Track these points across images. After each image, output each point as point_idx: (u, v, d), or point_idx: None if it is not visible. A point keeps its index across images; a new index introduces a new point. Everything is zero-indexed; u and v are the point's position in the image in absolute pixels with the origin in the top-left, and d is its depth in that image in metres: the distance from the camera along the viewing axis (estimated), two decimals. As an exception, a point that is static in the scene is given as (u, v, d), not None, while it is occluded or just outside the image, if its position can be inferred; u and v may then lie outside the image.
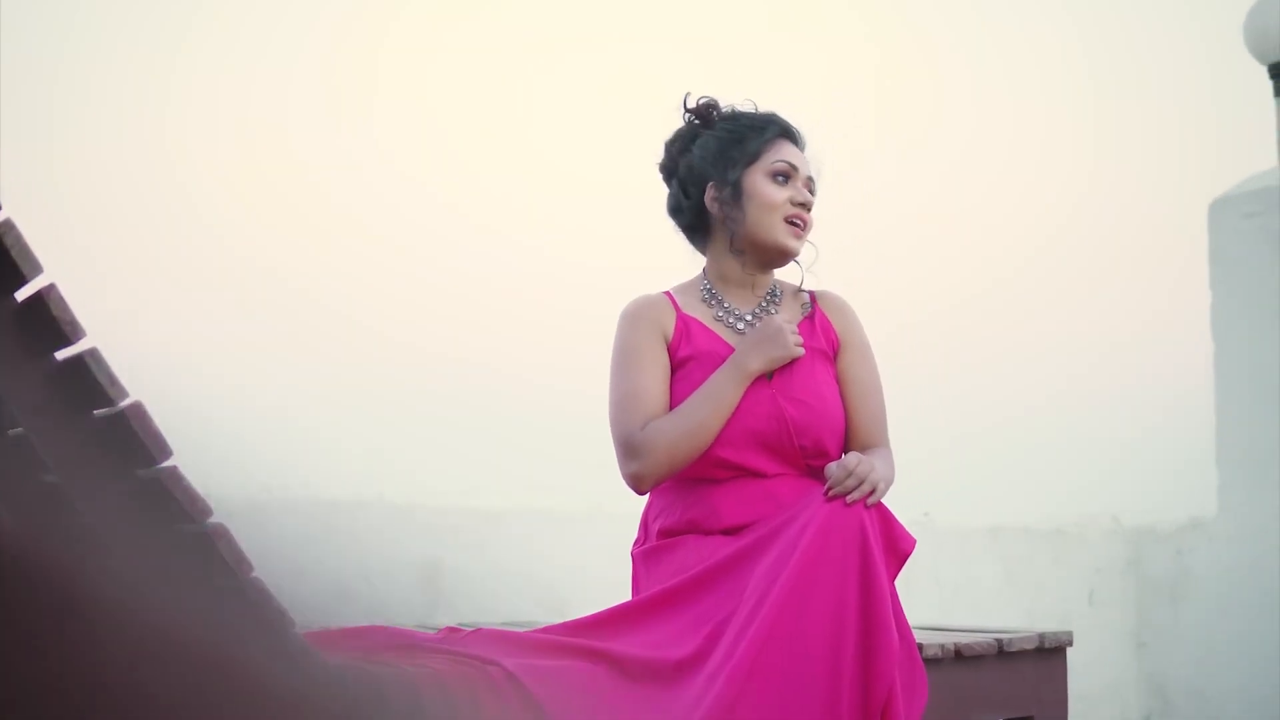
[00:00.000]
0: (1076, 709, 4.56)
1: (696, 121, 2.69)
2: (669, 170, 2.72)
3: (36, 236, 3.55)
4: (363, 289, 4.14)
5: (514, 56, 4.60)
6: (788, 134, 2.65)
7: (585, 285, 4.28)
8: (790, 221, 2.59)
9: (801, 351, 2.48)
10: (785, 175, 2.59)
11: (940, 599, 4.32)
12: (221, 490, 3.24)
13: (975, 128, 5.54)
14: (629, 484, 2.53)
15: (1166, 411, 4.99)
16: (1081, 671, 4.59)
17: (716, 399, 2.47)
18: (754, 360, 2.45)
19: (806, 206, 2.61)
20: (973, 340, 5.25)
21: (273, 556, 3.28)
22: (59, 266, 3.61)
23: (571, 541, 3.69)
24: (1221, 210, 4.58)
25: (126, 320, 3.74)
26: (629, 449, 2.48)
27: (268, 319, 3.96)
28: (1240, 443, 4.49)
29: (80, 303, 3.67)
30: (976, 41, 5.61)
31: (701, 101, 2.69)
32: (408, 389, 3.98)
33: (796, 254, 2.62)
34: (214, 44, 4.08)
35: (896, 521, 2.32)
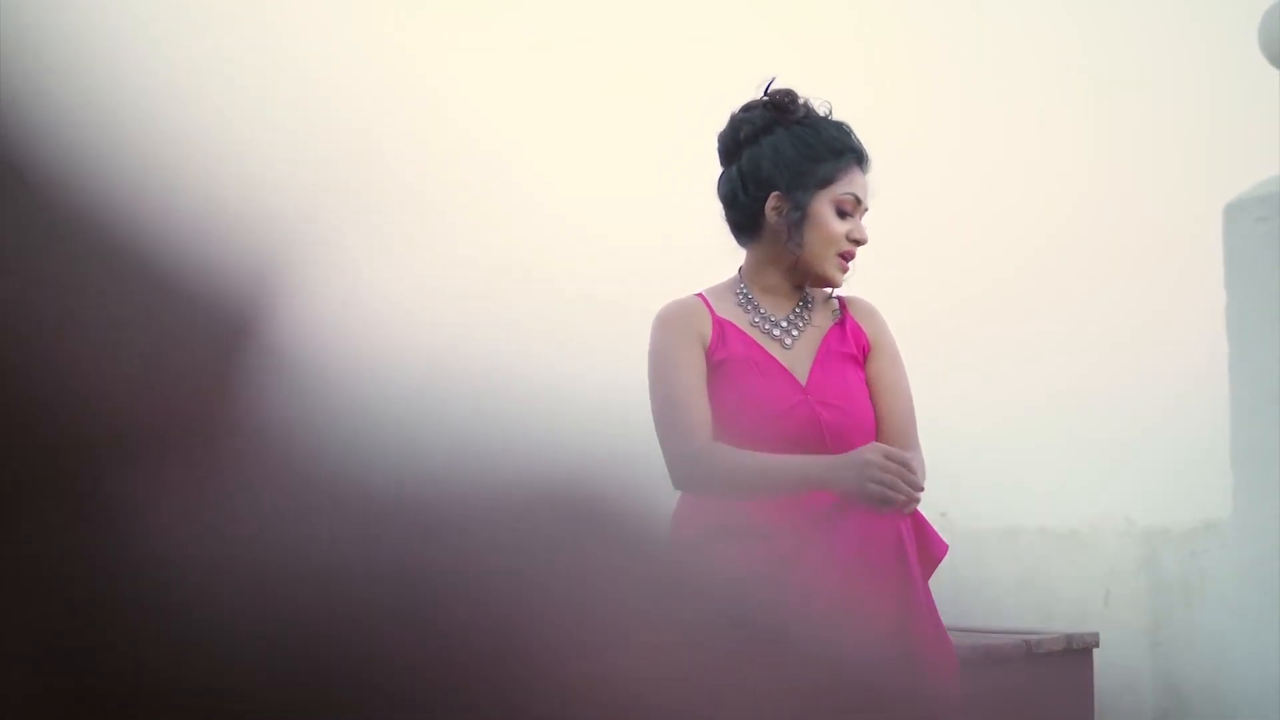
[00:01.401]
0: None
1: (769, 108, 2.66)
2: (730, 153, 2.70)
3: None
4: (365, 288, 4.13)
5: (520, 57, 4.61)
6: (861, 161, 2.67)
7: (597, 285, 4.29)
8: (843, 254, 2.63)
9: (892, 497, 2.31)
10: (850, 208, 2.62)
11: (958, 600, 4.33)
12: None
13: (979, 128, 5.55)
14: (676, 483, 2.55)
15: (1179, 412, 5.00)
16: (1096, 672, 4.60)
17: (779, 484, 2.43)
18: (834, 481, 2.33)
19: (861, 243, 2.64)
20: (984, 339, 5.27)
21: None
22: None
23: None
24: (1235, 214, 4.59)
25: None
26: (678, 458, 2.50)
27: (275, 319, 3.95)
28: (1255, 444, 4.50)
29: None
30: (980, 43, 5.62)
31: (784, 90, 2.66)
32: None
33: (839, 286, 2.66)
34: (219, 46, 4.08)
35: (930, 528, 2.34)
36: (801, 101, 2.63)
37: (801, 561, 2.28)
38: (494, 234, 4.41)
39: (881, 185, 5.05)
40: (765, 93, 2.64)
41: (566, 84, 4.58)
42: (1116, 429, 5.13)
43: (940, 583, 4.40)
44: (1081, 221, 5.51)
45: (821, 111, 2.64)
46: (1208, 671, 4.60)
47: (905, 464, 2.28)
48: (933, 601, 2.34)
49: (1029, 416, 5.14)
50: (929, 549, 2.32)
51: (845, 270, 2.61)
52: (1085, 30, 5.76)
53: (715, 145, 2.66)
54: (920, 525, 2.30)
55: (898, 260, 5.08)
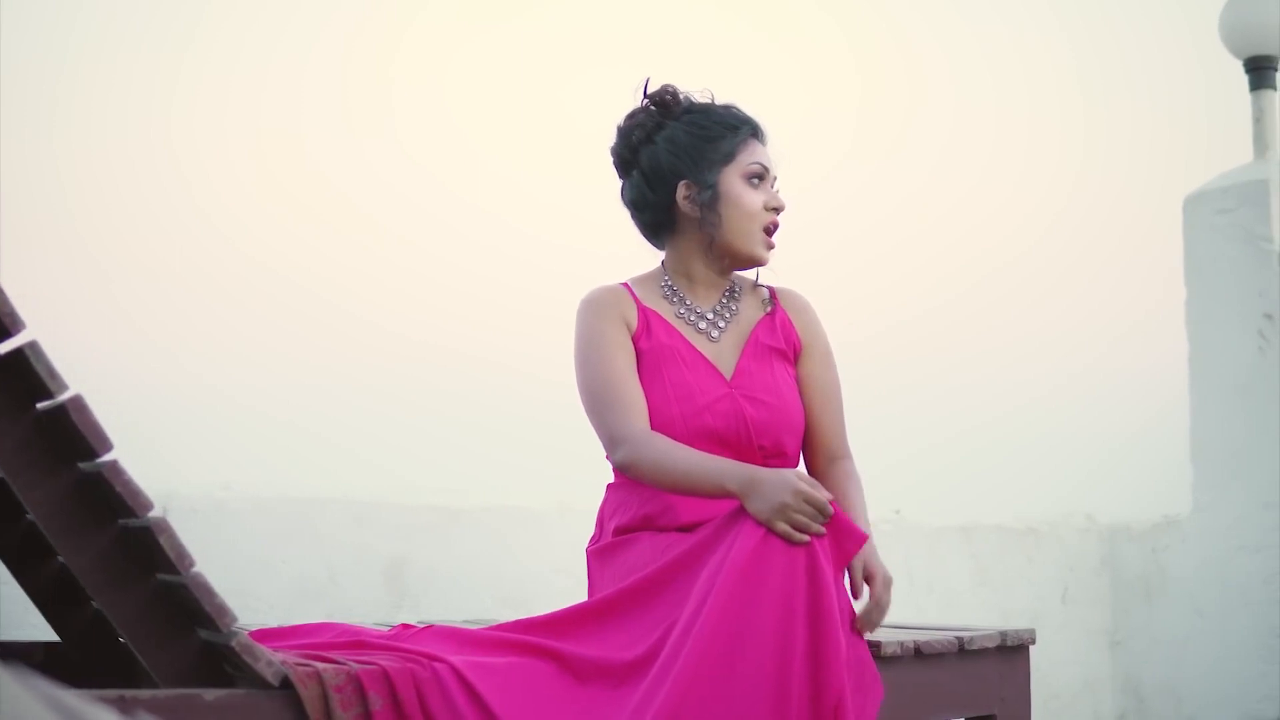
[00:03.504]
0: (1050, 708, 4.55)
1: (654, 109, 2.64)
2: (627, 161, 2.67)
3: (41, 235, 3.55)
4: (344, 279, 4.13)
5: (526, 57, 4.60)
6: (757, 134, 2.63)
7: (578, 280, 4.27)
8: (765, 229, 2.58)
9: (796, 537, 2.17)
10: (759, 177, 2.58)
11: (913, 598, 4.30)
12: (187, 487, 3.23)
13: (955, 129, 5.53)
14: (616, 463, 2.50)
15: (1141, 410, 4.98)
16: (1055, 670, 4.57)
17: (698, 486, 2.35)
18: (748, 501, 2.21)
19: (779, 211, 2.59)
20: (948, 341, 5.25)
21: (236, 553, 3.27)
22: (62, 265, 3.61)
23: (538, 539, 3.68)
24: (1195, 206, 4.57)
25: (127, 317, 3.73)
26: (620, 438, 2.44)
27: (254, 312, 3.95)
28: (1214, 440, 4.47)
29: (84, 300, 3.66)
30: (956, 41, 5.60)
31: (662, 89, 2.64)
32: (374, 385, 3.96)
33: (766, 263, 2.61)
34: (224, 43, 4.07)
35: (845, 520, 2.27)
36: (683, 95, 2.61)
37: (713, 552, 2.24)
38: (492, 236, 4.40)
39: (861, 190, 5.06)
40: (645, 95, 2.62)
41: (563, 89, 4.56)
42: (1079, 427, 5.12)
43: (895, 581, 4.38)
44: (1052, 228, 5.49)
45: (704, 100, 2.61)
46: (1167, 670, 4.58)
47: (821, 508, 2.22)
48: (846, 595, 2.29)
49: (991, 416, 5.12)
50: (843, 543, 2.26)
51: (770, 247, 2.57)
52: (1062, 30, 5.75)
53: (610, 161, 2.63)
54: (835, 519, 2.24)
55: (873, 264, 5.07)
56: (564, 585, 3.53)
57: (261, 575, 3.33)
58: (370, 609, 3.46)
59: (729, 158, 2.56)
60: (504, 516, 3.65)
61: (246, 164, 3.89)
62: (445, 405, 4.00)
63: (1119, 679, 4.71)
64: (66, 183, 3.56)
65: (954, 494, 4.76)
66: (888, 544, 4.22)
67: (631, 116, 2.64)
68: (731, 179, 2.56)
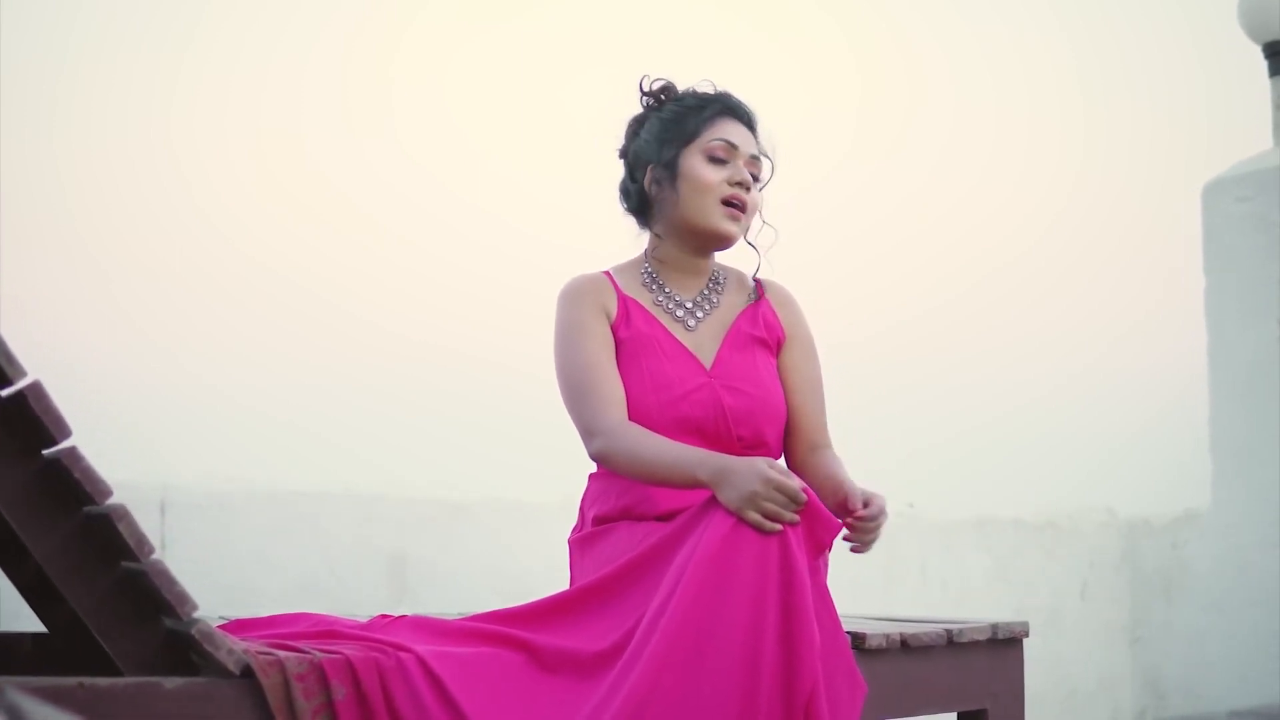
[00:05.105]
0: (1069, 704, 4.50)
1: (651, 103, 2.65)
2: (622, 153, 2.70)
3: (41, 235, 3.58)
4: (343, 278, 4.15)
5: (526, 57, 4.62)
6: (732, 112, 2.59)
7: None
8: (728, 203, 2.54)
9: (768, 526, 2.14)
10: (724, 155, 2.55)
11: (926, 594, 4.27)
12: (187, 485, 3.26)
13: (962, 116, 5.50)
14: (592, 454, 2.50)
15: (1161, 403, 4.93)
16: (1075, 666, 4.52)
17: (670, 477, 2.32)
18: (718, 490, 2.18)
19: (745, 186, 2.55)
20: (949, 340, 5.20)
21: (237, 550, 3.29)
22: (62, 265, 3.66)
23: (540, 533, 3.68)
24: (1214, 194, 4.51)
25: (127, 317, 3.77)
26: (596, 430, 2.44)
27: (254, 311, 3.98)
28: (1235, 432, 4.41)
29: (84, 300, 3.70)
30: (956, 41, 5.57)
31: (657, 84, 2.64)
32: (374, 385, 3.98)
33: (732, 237, 2.56)
34: (224, 43, 4.10)
35: (820, 509, 2.23)
36: (680, 90, 2.60)
37: (685, 542, 2.23)
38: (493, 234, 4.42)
39: (868, 185, 5.03)
40: (642, 90, 2.63)
41: (563, 89, 4.57)
42: (1098, 420, 5.06)
43: (905, 573, 4.35)
44: (1068, 217, 5.45)
45: (705, 90, 2.62)
46: (1188, 666, 4.51)
47: (793, 496, 2.19)
48: (824, 589, 2.27)
49: (1010, 410, 5.07)
50: (816, 534, 2.23)
51: (735, 218, 2.51)
52: (1076, 13, 5.70)
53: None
54: (809, 508, 2.21)
55: (885, 257, 5.04)
56: (565, 583, 3.53)
57: (263, 571, 3.35)
58: (372, 605, 3.47)
59: (692, 137, 2.55)
60: (505, 513, 3.66)
61: (246, 164, 3.92)
62: (445, 405, 4.02)
63: (1139, 675, 4.64)
64: (66, 183, 3.60)
65: (965, 490, 4.72)
66: (901, 539, 4.19)
67: (636, 114, 2.68)
68: (690, 157, 2.55)
